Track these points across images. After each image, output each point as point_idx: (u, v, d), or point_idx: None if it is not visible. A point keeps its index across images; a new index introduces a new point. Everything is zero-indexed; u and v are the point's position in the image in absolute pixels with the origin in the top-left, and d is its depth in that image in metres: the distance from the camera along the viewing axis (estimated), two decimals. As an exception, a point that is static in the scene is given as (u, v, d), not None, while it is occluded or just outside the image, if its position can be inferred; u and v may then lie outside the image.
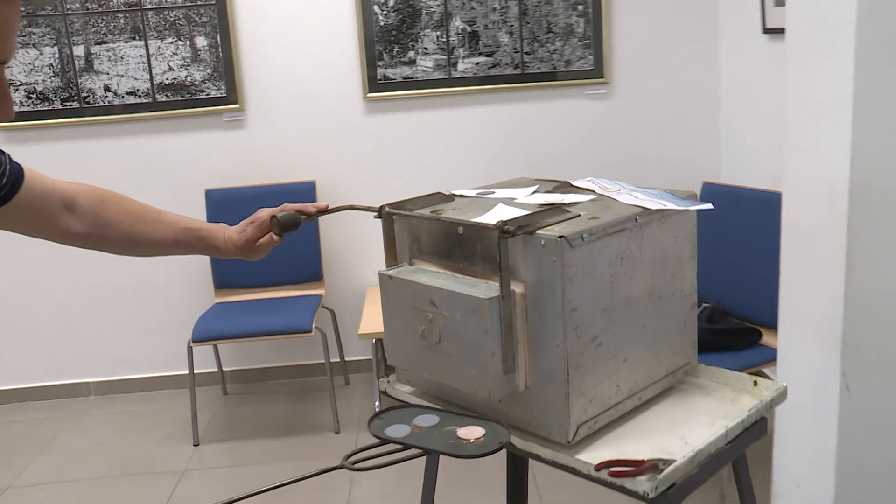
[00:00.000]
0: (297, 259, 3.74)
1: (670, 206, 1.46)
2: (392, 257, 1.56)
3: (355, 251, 3.93)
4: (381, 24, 3.70)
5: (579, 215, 1.40)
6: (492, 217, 1.43)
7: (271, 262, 3.70)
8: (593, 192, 1.59)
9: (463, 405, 1.52)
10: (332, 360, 3.91)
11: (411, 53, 3.73)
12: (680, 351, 1.59)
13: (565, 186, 1.67)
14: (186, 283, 3.89)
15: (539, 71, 3.81)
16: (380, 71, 3.74)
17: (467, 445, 1.22)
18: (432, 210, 1.52)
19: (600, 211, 1.44)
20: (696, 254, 1.59)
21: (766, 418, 1.52)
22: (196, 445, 3.43)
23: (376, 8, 3.68)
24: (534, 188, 1.66)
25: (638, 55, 3.85)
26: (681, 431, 1.44)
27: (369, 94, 3.76)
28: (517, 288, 1.36)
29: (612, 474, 1.27)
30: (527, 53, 3.78)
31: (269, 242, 1.54)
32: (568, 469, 1.37)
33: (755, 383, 1.60)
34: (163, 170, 3.67)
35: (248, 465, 3.26)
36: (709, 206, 1.47)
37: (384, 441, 1.24)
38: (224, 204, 3.67)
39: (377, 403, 3.48)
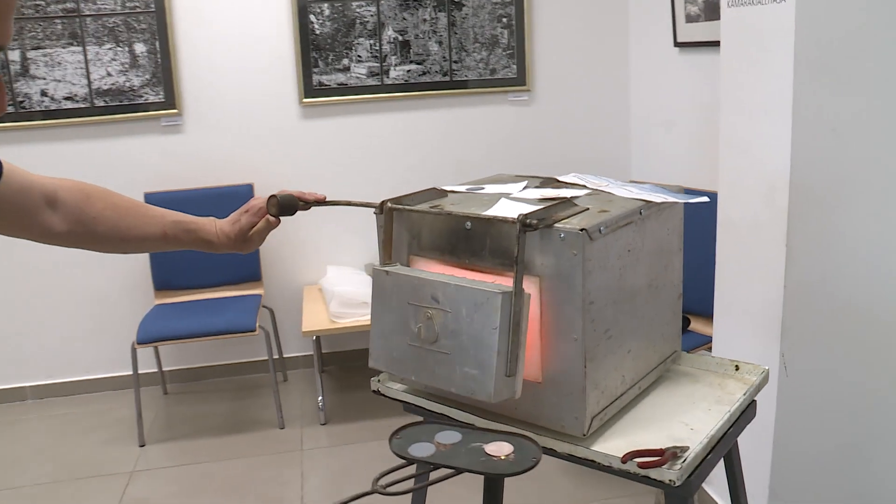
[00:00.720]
0: (236, 260, 3.51)
1: (671, 198, 1.37)
2: (388, 255, 1.42)
3: (293, 252, 3.74)
4: (317, 32, 3.51)
5: (588, 209, 1.30)
6: (499, 211, 1.31)
7: (210, 262, 3.48)
8: (584, 186, 1.49)
9: (461, 403, 1.39)
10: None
11: (346, 61, 3.56)
12: (670, 339, 1.51)
13: (552, 182, 1.56)
14: (124, 284, 3.61)
15: (466, 78, 3.70)
16: (315, 77, 3.56)
17: (500, 463, 1.10)
18: (432, 205, 1.39)
19: (605, 204, 1.33)
20: (682, 245, 1.51)
21: (756, 401, 1.46)
22: (142, 446, 3.17)
23: (312, 17, 3.49)
24: (523, 184, 1.54)
25: (557, 65, 3.79)
26: (683, 418, 1.36)
27: (305, 100, 3.57)
28: (532, 282, 1.24)
29: (642, 465, 1.17)
30: (455, 62, 3.67)
31: (264, 228, 1.36)
32: (586, 462, 1.26)
33: (737, 368, 1.53)
34: (102, 174, 3.37)
35: (197, 464, 3.02)
36: (705, 199, 1.39)
37: (410, 462, 1.10)
38: (163, 206, 3.41)
39: (320, 399, 3.31)
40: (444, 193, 1.48)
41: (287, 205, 1.36)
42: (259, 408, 3.48)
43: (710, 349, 2.59)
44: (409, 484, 1.05)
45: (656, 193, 1.40)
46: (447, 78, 3.68)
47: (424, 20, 3.59)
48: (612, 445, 1.26)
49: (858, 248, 2.12)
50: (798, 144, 1.96)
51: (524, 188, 1.50)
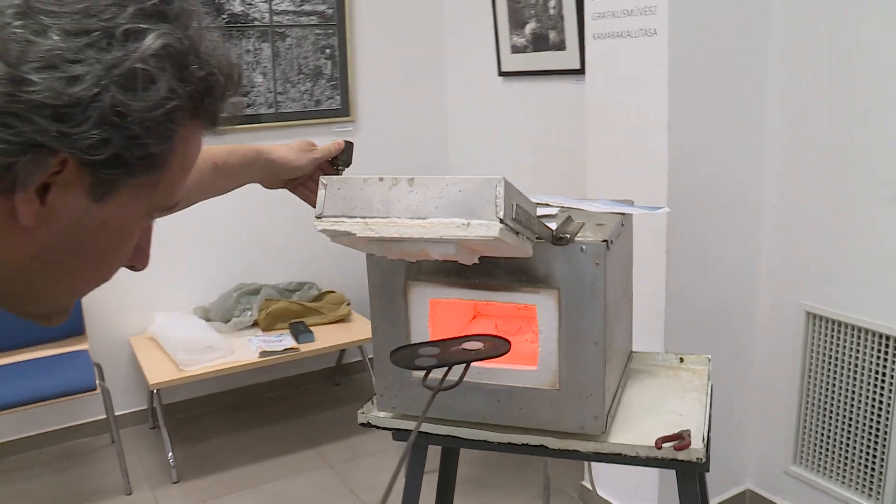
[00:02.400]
0: (54, 314, 3.23)
1: (642, 211, 1.55)
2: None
3: (115, 301, 3.50)
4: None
5: (584, 223, 1.44)
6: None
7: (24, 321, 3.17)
8: (548, 204, 1.63)
9: (467, 422, 1.46)
10: (97, 417, 3.46)
11: (164, 94, 3.43)
12: (629, 340, 1.69)
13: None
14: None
15: (291, 110, 3.72)
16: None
17: (481, 352, 1.23)
18: (427, 230, 1.45)
19: (590, 218, 1.48)
20: (632, 252, 1.70)
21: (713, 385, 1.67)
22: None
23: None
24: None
25: (379, 95, 3.92)
26: (668, 408, 1.52)
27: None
28: (551, 295, 1.35)
29: (678, 447, 1.32)
30: (280, 93, 3.67)
31: (326, 151, 1.36)
32: (611, 457, 1.38)
33: (681, 360, 1.74)
34: None
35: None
36: (667, 209, 1.59)
37: (424, 368, 1.20)
38: None
39: (170, 455, 3.13)
40: (423, 218, 1.55)
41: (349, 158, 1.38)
42: (97, 475, 3.21)
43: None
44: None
45: (623, 207, 1.57)
46: (273, 110, 3.67)
47: (248, 51, 3.56)
48: (628, 438, 1.40)
49: (725, 251, 2.46)
50: (674, 162, 2.25)
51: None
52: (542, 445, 1.41)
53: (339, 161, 1.40)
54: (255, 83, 3.60)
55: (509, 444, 1.43)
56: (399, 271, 1.44)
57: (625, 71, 2.32)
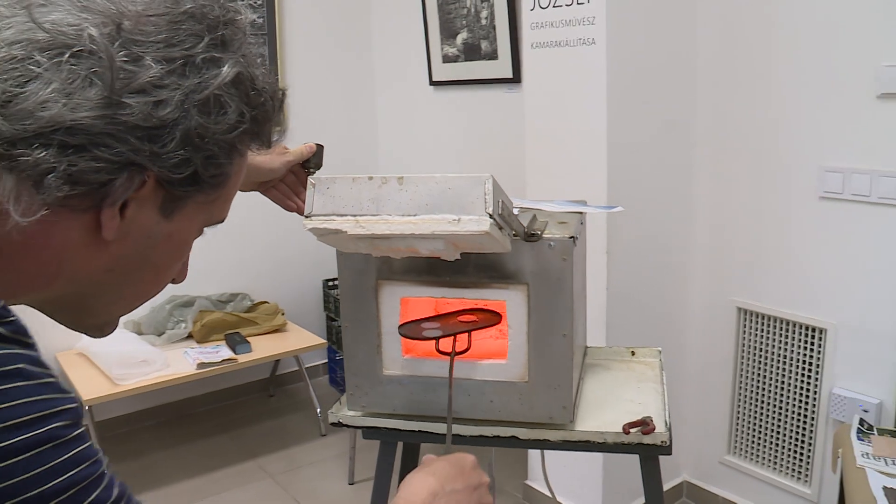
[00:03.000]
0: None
1: (599, 210, 1.63)
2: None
3: (38, 316, 3.39)
4: None
5: (547, 221, 1.51)
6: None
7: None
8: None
9: (441, 417, 1.51)
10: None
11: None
12: (585, 335, 1.77)
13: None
14: None
15: (222, 120, 3.70)
16: None
17: (480, 322, 1.37)
18: (396, 231, 1.49)
19: (551, 217, 1.55)
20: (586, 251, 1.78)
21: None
22: None
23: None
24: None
25: (309, 104, 3.94)
26: (626, 397, 1.60)
27: None
28: (520, 290, 1.41)
29: (645, 432, 1.39)
30: (210, 103, 3.65)
31: (298, 153, 1.39)
32: (580, 444, 1.45)
33: (633, 353, 1.83)
34: None
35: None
36: (620, 208, 1.67)
37: (433, 338, 1.33)
38: None
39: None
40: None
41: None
42: None
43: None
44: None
45: (580, 206, 1.64)
46: (202, 119, 3.64)
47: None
48: (594, 426, 1.47)
49: (661, 251, 2.58)
50: (612, 166, 2.35)
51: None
52: (513, 436, 1.47)
53: (310, 164, 1.43)
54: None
55: (481, 436, 1.48)
56: (370, 271, 1.47)
57: (564, 79, 2.41)
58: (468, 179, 1.12)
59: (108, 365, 3.09)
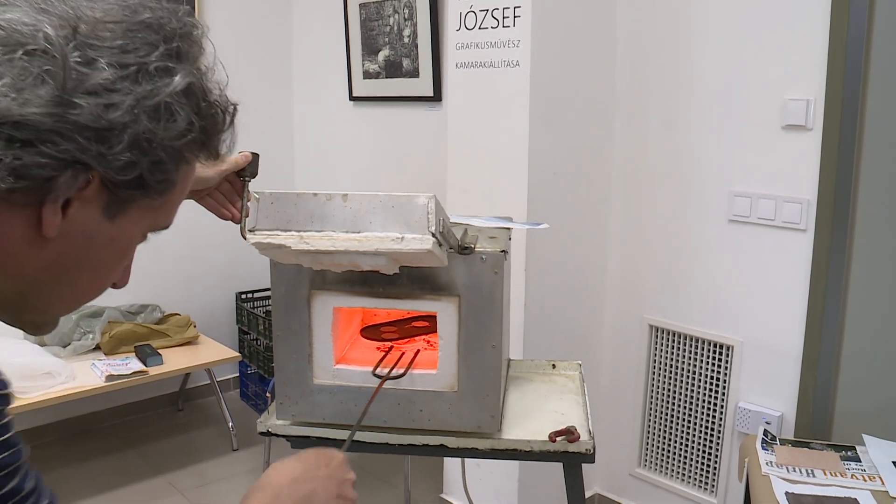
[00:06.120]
0: None
1: (523, 227, 1.69)
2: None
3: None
4: None
5: (476, 235, 1.55)
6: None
7: None
8: (436, 220, 1.73)
9: (371, 426, 1.53)
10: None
11: None
12: (509, 347, 1.82)
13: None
14: None
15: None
16: None
17: (431, 326, 1.50)
18: (330, 242, 1.51)
19: (481, 232, 1.60)
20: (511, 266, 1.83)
21: (583, 389, 1.83)
22: None
23: None
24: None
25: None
26: (550, 408, 1.65)
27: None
28: (452, 302, 1.45)
29: (570, 440, 1.45)
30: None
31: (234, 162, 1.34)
32: (507, 453, 1.49)
33: (553, 366, 1.89)
34: None
35: None
36: (546, 225, 1.73)
37: (390, 340, 1.48)
38: None
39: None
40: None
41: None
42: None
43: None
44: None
45: (507, 223, 1.70)
46: (116, 126, 3.56)
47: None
48: (520, 434, 1.52)
49: (576, 269, 2.66)
50: (532, 186, 2.43)
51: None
52: (441, 445, 1.50)
53: (245, 172, 1.43)
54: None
55: (410, 445, 1.51)
56: (303, 281, 1.49)
57: (487, 100, 2.47)
58: (411, 198, 1.15)
59: (9, 377, 2.98)
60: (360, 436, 1.52)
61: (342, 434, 1.52)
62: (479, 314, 1.45)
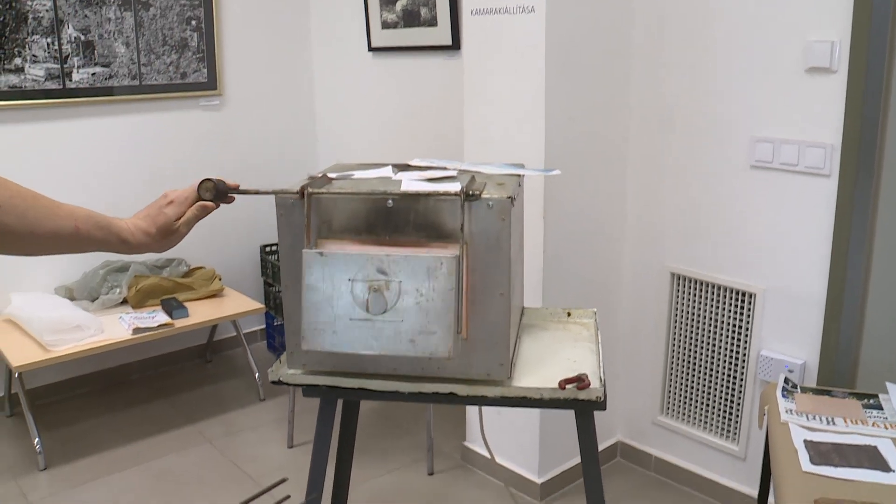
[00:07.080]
0: None
1: (534, 173, 1.65)
2: (309, 239, 1.48)
3: (-35, 281, 3.31)
4: (-14, 28, 3.17)
5: (486, 182, 1.52)
6: (410, 187, 1.47)
7: None
8: (445, 168, 1.70)
9: (378, 374, 1.52)
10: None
11: (18, 60, 3.26)
12: (522, 295, 1.80)
13: (407, 167, 1.74)
14: None
15: (157, 83, 3.62)
16: (-16, 80, 3.21)
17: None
18: (335, 190, 1.49)
19: (490, 179, 1.57)
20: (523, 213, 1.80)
21: (597, 338, 1.80)
22: None
23: (-23, 10, 3.15)
24: (388, 167, 1.70)
25: (247, 69, 3.88)
26: (563, 356, 1.63)
27: (-29, 106, 3.20)
28: (459, 249, 1.43)
29: (581, 387, 1.43)
30: (144, 65, 3.56)
31: (195, 216, 1.34)
32: (517, 401, 1.48)
33: (569, 314, 1.87)
34: None
35: None
36: (557, 171, 1.70)
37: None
38: None
39: (37, 441, 3.00)
40: (328, 180, 1.59)
41: (222, 190, 1.37)
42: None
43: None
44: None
45: (518, 169, 1.67)
46: (136, 82, 3.56)
47: (109, 19, 3.43)
48: (531, 382, 1.50)
49: (596, 216, 2.62)
50: (550, 133, 2.38)
51: (398, 172, 1.66)
52: (451, 393, 1.49)
53: (207, 198, 1.39)
54: (117, 53, 3.47)
55: (420, 393, 1.51)
56: (311, 233, 1.47)
57: (503, 46, 2.42)
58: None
59: (40, 331, 3.03)
60: (369, 383, 1.51)
61: (352, 382, 1.51)
62: (486, 262, 1.43)
